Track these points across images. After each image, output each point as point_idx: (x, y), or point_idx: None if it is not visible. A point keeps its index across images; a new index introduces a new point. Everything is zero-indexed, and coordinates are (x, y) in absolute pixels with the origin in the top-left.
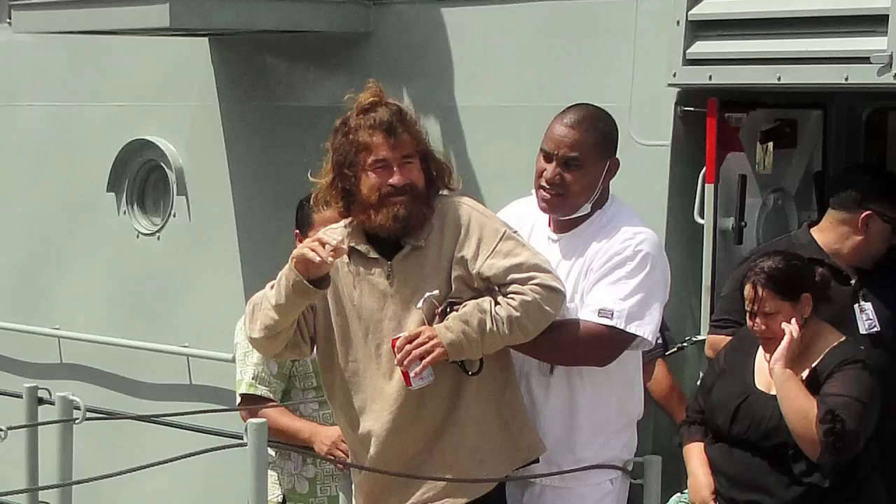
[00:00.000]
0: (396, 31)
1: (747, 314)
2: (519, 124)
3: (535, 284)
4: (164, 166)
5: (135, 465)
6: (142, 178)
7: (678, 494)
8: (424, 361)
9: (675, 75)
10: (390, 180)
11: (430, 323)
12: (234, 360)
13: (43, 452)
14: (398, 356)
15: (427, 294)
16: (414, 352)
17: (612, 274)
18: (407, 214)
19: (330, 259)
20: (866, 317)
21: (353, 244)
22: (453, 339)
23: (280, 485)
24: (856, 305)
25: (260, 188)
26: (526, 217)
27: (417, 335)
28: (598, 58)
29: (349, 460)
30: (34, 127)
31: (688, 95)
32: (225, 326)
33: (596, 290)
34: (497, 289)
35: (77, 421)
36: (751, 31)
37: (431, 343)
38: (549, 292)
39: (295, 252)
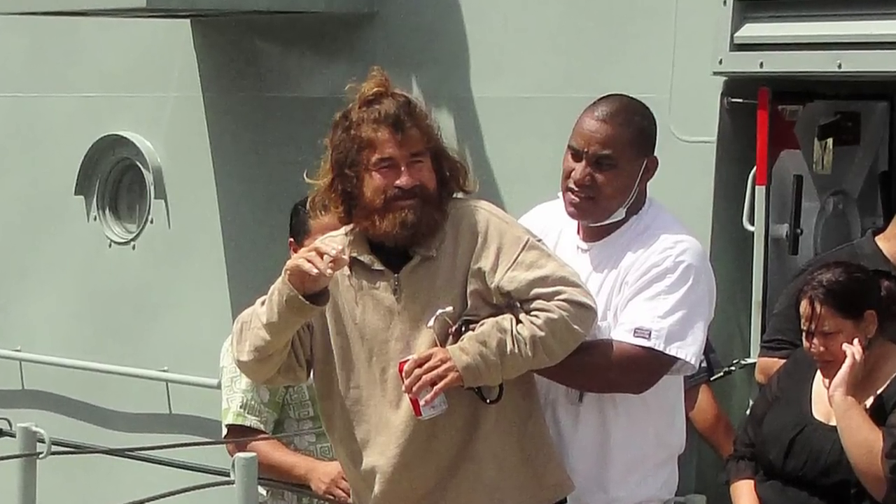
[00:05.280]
0: (404, 11)
1: (803, 334)
2: (544, 118)
3: (563, 300)
4: (139, 165)
5: None
6: (115, 179)
7: None
8: (436, 388)
9: (721, 62)
10: (397, 182)
11: (443, 344)
12: (219, 387)
13: (2, 490)
14: (406, 382)
15: (439, 311)
16: (424, 377)
17: (649, 288)
18: (416, 220)
19: (329, 271)
20: None
21: (354, 254)
22: (469, 363)
23: None
24: None
25: (249, 190)
26: (552, 223)
27: (428, 358)
28: (633, 42)
29: (350, 500)
30: None
31: (736, 85)
32: (209, 348)
33: (631, 306)
34: (519, 305)
35: (41, 455)
36: (807, 12)
37: (444, 367)
38: (578, 309)
39: (289, 263)
